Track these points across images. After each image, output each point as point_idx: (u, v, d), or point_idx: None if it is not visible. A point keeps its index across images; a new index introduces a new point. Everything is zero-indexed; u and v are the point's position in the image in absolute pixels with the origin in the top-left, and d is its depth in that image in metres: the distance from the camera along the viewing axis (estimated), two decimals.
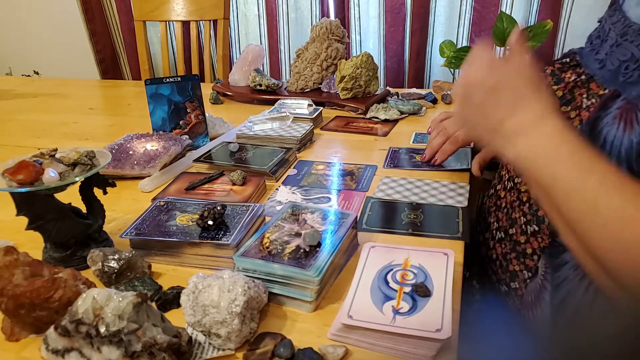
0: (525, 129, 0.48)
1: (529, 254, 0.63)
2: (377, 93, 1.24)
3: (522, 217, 0.64)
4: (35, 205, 0.56)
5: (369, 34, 2.00)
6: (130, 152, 0.88)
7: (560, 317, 0.58)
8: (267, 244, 0.56)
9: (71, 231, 0.60)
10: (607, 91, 0.55)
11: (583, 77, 0.60)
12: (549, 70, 0.67)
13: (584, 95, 0.58)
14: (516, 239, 0.65)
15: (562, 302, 0.57)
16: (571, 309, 0.57)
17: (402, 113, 1.15)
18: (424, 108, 1.19)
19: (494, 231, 0.70)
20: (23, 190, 0.54)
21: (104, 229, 0.64)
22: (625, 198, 0.42)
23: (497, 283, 0.70)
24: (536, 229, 0.62)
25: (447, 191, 0.77)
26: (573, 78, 0.62)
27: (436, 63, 1.99)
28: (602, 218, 0.43)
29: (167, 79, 0.98)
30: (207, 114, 1.03)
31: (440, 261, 0.55)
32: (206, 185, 0.78)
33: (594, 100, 0.57)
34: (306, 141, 0.99)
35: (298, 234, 0.57)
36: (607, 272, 0.44)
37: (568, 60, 0.65)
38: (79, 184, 0.61)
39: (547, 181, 0.46)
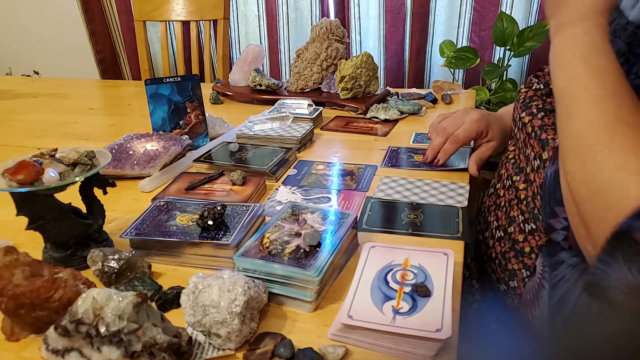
0: (562, 27, 0.50)
1: (527, 253, 0.63)
2: (377, 93, 1.24)
3: (520, 215, 0.65)
4: (35, 205, 0.56)
5: (369, 34, 2.01)
6: (130, 152, 0.88)
7: (558, 316, 0.58)
8: (267, 244, 0.56)
9: (71, 231, 0.60)
10: None
11: None
12: (547, 70, 0.67)
13: None
14: (514, 238, 0.65)
15: (559, 301, 0.58)
16: (568, 308, 0.57)
17: (402, 113, 1.15)
18: (424, 108, 1.19)
19: (494, 230, 0.70)
20: (23, 190, 0.54)
21: (104, 229, 0.64)
22: (595, 112, 0.45)
23: (496, 282, 0.70)
24: (533, 227, 0.62)
25: (447, 191, 0.77)
26: None
27: (436, 63, 2.00)
28: (573, 125, 0.47)
29: (167, 79, 0.98)
30: (207, 114, 1.03)
31: (440, 261, 0.55)
32: (206, 185, 0.78)
33: None
34: (306, 141, 0.99)
35: (298, 234, 0.57)
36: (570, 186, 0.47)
37: None
38: (79, 184, 0.61)
39: (553, 80, 0.50)
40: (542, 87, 0.66)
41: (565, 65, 0.49)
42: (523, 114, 0.65)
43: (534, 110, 0.63)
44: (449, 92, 1.29)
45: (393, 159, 0.91)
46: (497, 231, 0.69)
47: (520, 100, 0.68)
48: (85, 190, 0.63)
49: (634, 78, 0.51)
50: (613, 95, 0.46)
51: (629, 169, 0.42)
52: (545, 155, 0.60)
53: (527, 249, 0.63)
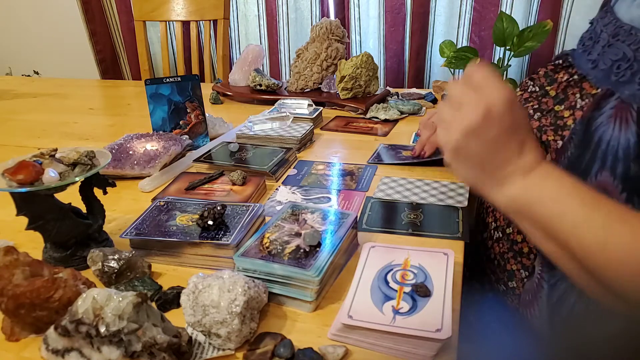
0: (528, 169, 0.49)
1: (526, 253, 0.63)
2: (377, 93, 1.24)
3: None
4: (35, 205, 0.57)
5: (369, 34, 2.01)
6: (130, 152, 0.88)
7: (557, 316, 0.58)
8: (267, 244, 0.56)
9: (71, 231, 0.60)
10: (599, 90, 0.56)
11: (576, 77, 0.61)
12: (542, 72, 0.68)
13: (577, 95, 0.59)
14: (513, 238, 0.65)
15: (558, 301, 0.58)
16: (567, 308, 0.57)
17: (402, 113, 1.15)
18: (424, 108, 1.19)
19: (492, 231, 0.70)
20: (23, 190, 0.54)
21: (104, 229, 0.64)
22: (634, 229, 0.43)
23: (495, 283, 0.70)
24: None
25: (447, 191, 0.77)
26: (566, 78, 0.62)
27: (436, 63, 2.00)
28: (616, 251, 0.43)
29: (167, 79, 0.98)
30: (207, 114, 1.03)
31: (440, 261, 0.55)
32: (206, 185, 0.78)
33: (587, 101, 0.57)
34: (306, 141, 0.99)
35: (298, 234, 0.57)
36: (623, 299, 0.45)
37: (561, 61, 0.66)
38: (79, 184, 0.61)
39: (554, 216, 0.47)
40: (537, 89, 0.66)
41: (562, 200, 0.47)
42: None
43: (530, 112, 0.64)
44: None
45: (381, 155, 0.93)
46: (496, 232, 0.70)
47: None
48: (85, 190, 0.63)
49: (638, 88, 0.51)
50: (622, 219, 0.45)
51: None
52: (548, 158, 0.60)
53: (525, 250, 0.63)
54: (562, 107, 0.60)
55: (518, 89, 0.70)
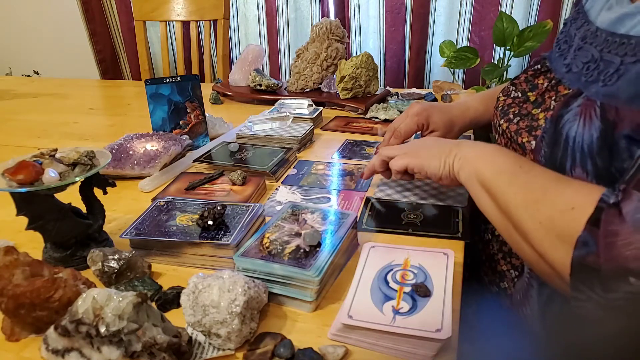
0: (472, 144, 0.62)
1: (514, 253, 0.64)
2: (377, 93, 1.24)
3: None
4: (35, 205, 0.56)
5: (369, 34, 2.01)
6: (130, 152, 0.88)
7: (549, 313, 0.58)
8: (267, 244, 0.56)
9: (71, 231, 0.60)
10: (570, 91, 0.56)
11: (553, 81, 0.62)
12: (523, 77, 0.68)
13: (553, 98, 0.60)
14: (501, 239, 0.66)
15: (549, 298, 0.58)
16: (558, 305, 0.57)
17: (401, 113, 1.15)
18: None
19: (482, 233, 0.71)
20: (23, 190, 0.54)
21: (104, 229, 0.64)
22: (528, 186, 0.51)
23: (489, 284, 0.70)
24: None
25: (447, 191, 0.77)
26: (546, 84, 0.63)
27: (436, 63, 2.00)
28: (548, 203, 0.50)
29: (167, 79, 0.98)
30: (207, 114, 1.03)
31: (440, 261, 0.55)
32: (206, 185, 0.78)
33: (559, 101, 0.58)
34: (306, 141, 0.99)
35: (298, 234, 0.57)
36: (542, 255, 0.49)
37: (539, 66, 0.67)
38: (79, 184, 0.61)
39: (492, 173, 0.56)
40: (519, 94, 0.67)
41: (497, 163, 0.57)
42: (502, 121, 0.66)
43: (511, 117, 0.65)
44: (449, 92, 1.29)
45: (346, 150, 0.95)
46: (486, 234, 0.70)
47: (499, 108, 0.69)
48: (85, 190, 0.63)
49: (602, 85, 0.51)
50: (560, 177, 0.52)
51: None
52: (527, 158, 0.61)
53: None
54: (539, 110, 0.61)
55: (501, 94, 0.71)
